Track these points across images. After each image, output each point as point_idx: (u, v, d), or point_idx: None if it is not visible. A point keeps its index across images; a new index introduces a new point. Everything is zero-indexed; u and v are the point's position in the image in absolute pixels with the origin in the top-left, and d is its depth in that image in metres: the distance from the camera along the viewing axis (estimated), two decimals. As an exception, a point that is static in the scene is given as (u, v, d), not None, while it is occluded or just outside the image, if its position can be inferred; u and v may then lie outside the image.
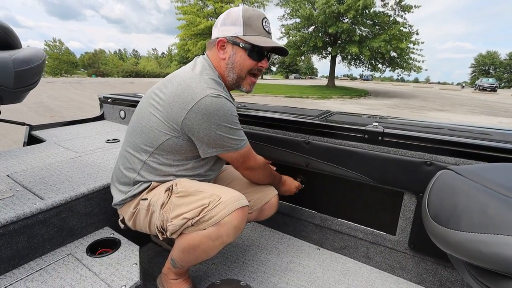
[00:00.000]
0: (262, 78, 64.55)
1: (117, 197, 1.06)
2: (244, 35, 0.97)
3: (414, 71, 20.63)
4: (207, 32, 23.24)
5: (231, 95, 1.09)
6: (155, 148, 0.99)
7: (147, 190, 1.01)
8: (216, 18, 1.03)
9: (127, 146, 1.05)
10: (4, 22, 0.94)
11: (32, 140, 1.95)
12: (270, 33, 1.02)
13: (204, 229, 0.88)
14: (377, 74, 24.80)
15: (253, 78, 1.07)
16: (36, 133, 1.97)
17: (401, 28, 19.04)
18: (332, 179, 1.40)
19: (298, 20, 21.70)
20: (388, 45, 18.61)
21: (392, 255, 1.33)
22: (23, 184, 1.17)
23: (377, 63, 22.20)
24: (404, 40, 18.54)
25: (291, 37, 22.35)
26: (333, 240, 1.49)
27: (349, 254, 1.45)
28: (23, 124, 1.95)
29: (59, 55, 64.27)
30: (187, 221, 0.89)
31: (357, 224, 1.40)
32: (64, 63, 64.45)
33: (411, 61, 20.36)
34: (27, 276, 0.93)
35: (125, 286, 0.89)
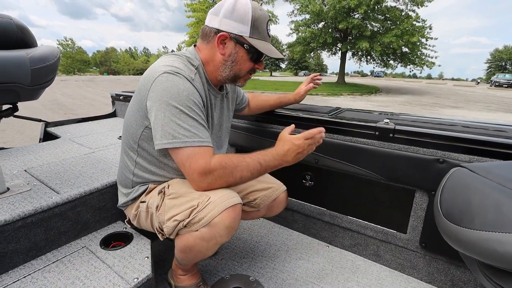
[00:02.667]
0: (271, 75, 64.36)
1: (120, 199, 1.09)
2: (250, 37, 0.92)
3: (427, 66, 20.17)
4: (217, 29, 23.26)
5: (211, 87, 1.02)
6: (138, 145, 0.99)
7: (145, 193, 1.02)
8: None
9: (123, 146, 1.06)
10: (21, 22, 0.97)
11: (47, 136, 2.01)
12: (270, 36, 1.00)
13: (197, 230, 0.87)
14: (388, 71, 24.28)
15: (249, 75, 1.03)
16: (51, 129, 2.02)
17: (414, 22, 18.61)
18: (341, 176, 1.39)
19: (307, 16, 21.50)
20: (399, 40, 18.24)
21: (403, 254, 1.32)
22: (39, 179, 1.21)
23: (388, 59, 21.80)
24: (416, 34, 18.11)
25: (300, 33, 22.18)
26: (343, 237, 1.48)
27: (359, 252, 1.44)
28: (39, 120, 2.01)
29: (72, 53, 65.75)
30: (179, 223, 0.87)
31: (367, 222, 1.39)
32: (77, 61, 66.01)
33: (423, 57, 19.92)
34: (44, 267, 0.96)
35: (137, 278, 0.91)
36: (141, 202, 1.01)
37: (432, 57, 19.98)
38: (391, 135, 1.20)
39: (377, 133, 1.23)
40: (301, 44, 22.56)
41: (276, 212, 1.27)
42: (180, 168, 0.88)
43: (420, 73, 22.40)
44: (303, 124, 1.43)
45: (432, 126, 1.22)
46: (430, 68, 20.37)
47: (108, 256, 1.02)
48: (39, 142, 1.95)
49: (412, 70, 22.16)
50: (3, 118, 1.13)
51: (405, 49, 19.77)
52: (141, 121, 0.93)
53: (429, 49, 19.69)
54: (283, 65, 76.92)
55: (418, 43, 18.83)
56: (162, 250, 1.42)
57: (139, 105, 0.92)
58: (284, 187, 1.26)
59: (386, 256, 1.37)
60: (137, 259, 1.00)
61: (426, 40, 19.22)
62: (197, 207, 0.85)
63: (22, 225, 0.95)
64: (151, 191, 1.01)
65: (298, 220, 1.62)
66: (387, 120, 1.24)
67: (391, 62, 21.96)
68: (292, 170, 1.36)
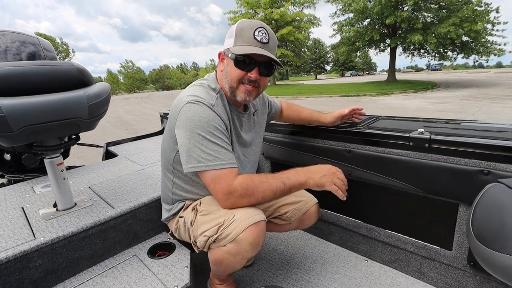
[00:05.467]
0: (316, 79, 63.07)
1: (163, 214, 1.22)
2: (233, 46, 0.96)
3: (495, 55, 17.78)
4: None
5: (233, 107, 1.08)
6: (172, 167, 1.09)
7: (183, 209, 1.12)
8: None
9: (162, 168, 1.18)
10: (80, 65, 1.17)
11: (108, 154, 2.30)
12: (264, 43, 0.95)
13: (224, 245, 0.93)
14: (447, 63, 22.00)
15: (247, 86, 0.99)
16: (111, 148, 2.32)
17: (475, 7, 16.62)
18: (376, 188, 1.34)
19: (351, 15, 20.73)
20: (458, 29, 16.44)
21: (449, 272, 1.22)
22: (99, 195, 1.41)
23: (445, 50, 19.77)
24: (479, 21, 16.11)
25: (344, 34, 21.45)
26: (382, 252, 1.42)
27: (400, 268, 1.37)
28: (97, 146, 2.34)
29: (132, 74, 73.36)
30: (209, 238, 0.94)
31: (407, 237, 1.31)
32: (136, 80, 73.45)
33: (489, 44, 17.60)
34: (103, 272, 1.12)
35: (177, 286, 1.01)
36: (180, 217, 1.13)
37: (500, 44, 17.56)
38: (426, 145, 1.13)
39: (411, 143, 1.17)
40: (345, 44, 21.80)
41: (308, 225, 1.29)
42: (208, 188, 0.96)
43: (487, 62, 19.85)
44: (333, 136, 1.43)
45: (475, 133, 1.12)
46: (499, 56, 17.93)
47: (154, 264, 1.14)
48: (102, 160, 2.25)
49: (477, 60, 19.77)
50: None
51: (465, 38, 17.72)
52: (173, 146, 1.04)
53: (496, 35, 17.35)
54: (328, 67, 74.99)
55: (482, 30, 16.70)
56: (204, 259, 1.52)
57: (170, 132, 1.03)
58: (315, 200, 1.27)
59: (431, 274, 1.27)
60: (178, 268, 1.11)
61: (493, 26, 16.99)
62: (223, 224, 0.92)
63: (85, 236, 1.13)
64: (187, 207, 1.12)
65: (334, 233, 1.60)
66: (422, 130, 1.17)
67: (449, 53, 19.86)
68: None
